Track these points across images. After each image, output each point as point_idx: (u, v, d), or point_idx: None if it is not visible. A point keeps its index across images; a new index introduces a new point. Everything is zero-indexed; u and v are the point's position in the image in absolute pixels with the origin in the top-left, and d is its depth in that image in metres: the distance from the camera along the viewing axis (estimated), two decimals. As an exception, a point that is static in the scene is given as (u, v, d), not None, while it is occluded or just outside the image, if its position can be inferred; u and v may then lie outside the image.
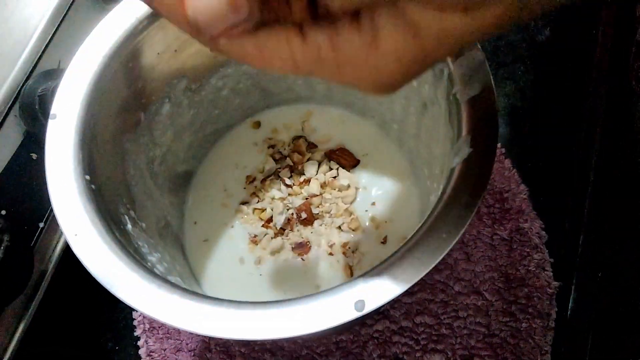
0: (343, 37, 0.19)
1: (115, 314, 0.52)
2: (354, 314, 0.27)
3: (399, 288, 0.27)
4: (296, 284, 0.46)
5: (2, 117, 0.40)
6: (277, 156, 0.51)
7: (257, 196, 0.49)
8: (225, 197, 0.50)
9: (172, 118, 0.44)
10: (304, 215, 0.47)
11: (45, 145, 0.33)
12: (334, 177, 0.49)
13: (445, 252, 0.28)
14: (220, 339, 0.48)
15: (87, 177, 0.32)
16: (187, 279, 0.43)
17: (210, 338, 0.49)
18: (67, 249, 0.48)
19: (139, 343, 0.50)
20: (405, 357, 0.47)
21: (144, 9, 0.37)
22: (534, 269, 0.49)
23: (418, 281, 0.27)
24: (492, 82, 0.33)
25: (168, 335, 0.49)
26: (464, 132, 0.32)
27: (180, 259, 0.46)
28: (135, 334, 0.50)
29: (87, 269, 0.29)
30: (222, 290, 0.46)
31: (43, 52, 0.43)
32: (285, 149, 0.52)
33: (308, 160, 0.50)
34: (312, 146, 0.51)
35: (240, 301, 0.28)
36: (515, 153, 0.55)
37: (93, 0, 0.48)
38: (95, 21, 0.36)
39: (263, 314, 0.27)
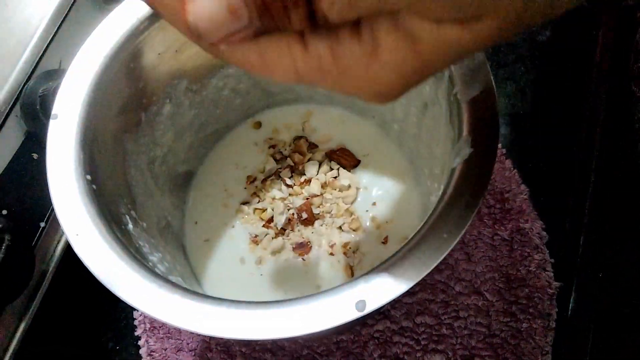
0: (344, 47, 0.19)
1: (116, 314, 0.52)
2: (355, 314, 0.27)
3: (400, 288, 0.27)
4: (297, 284, 0.46)
5: (3, 117, 0.40)
6: (278, 156, 0.51)
7: (258, 196, 0.49)
8: (226, 197, 0.50)
9: (172, 118, 0.44)
10: (304, 215, 0.47)
11: (46, 146, 0.33)
12: (335, 177, 0.49)
13: (447, 252, 0.28)
14: (221, 338, 0.48)
15: (88, 177, 0.32)
16: (188, 279, 0.43)
17: (211, 338, 0.49)
18: (67, 248, 0.48)
19: (140, 343, 0.50)
20: (405, 357, 0.47)
21: (145, 10, 0.37)
22: (534, 269, 0.49)
23: (419, 281, 0.27)
24: (493, 82, 0.33)
25: (169, 335, 0.49)
26: (465, 132, 0.32)
27: (181, 259, 0.46)
28: (136, 333, 0.50)
29: (88, 269, 0.29)
30: (222, 290, 0.46)
31: (44, 52, 0.43)
32: (286, 149, 0.52)
33: (309, 160, 0.50)
34: (312, 146, 0.51)
35: (241, 301, 0.28)
36: (515, 153, 0.55)
37: (94, 0, 0.48)
38: (96, 21, 0.36)
39: (264, 314, 0.27)
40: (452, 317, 0.48)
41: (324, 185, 0.49)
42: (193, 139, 0.48)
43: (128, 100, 0.38)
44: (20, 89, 0.41)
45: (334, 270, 0.46)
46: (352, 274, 0.45)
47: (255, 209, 0.49)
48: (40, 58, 0.42)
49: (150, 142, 0.42)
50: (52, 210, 0.45)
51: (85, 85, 0.35)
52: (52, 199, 0.31)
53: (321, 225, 0.47)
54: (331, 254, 0.46)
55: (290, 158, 0.51)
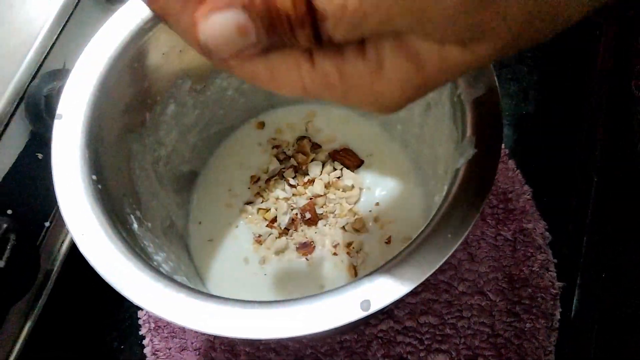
0: (349, 64, 0.20)
1: (121, 313, 0.52)
2: (360, 314, 0.27)
3: (405, 288, 0.27)
4: (300, 283, 0.46)
5: (7, 117, 0.40)
6: (282, 156, 0.51)
7: (262, 196, 0.50)
8: (229, 197, 0.50)
9: (177, 118, 0.44)
10: (308, 215, 0.47)
11: (51, 146, 0.33)
12: (338, 178, 0.49)
13: (451, 252, 0.28)
14: (225, 338, 0.48)
15: (94, 177, 0.32)
16: (192, 279, 0.43)
17: (215, 337, 0.49)
18: (72, 248, 0.48)
19: (144, 342, 0.50)
20: (409, 356, 0.47)
21: (149, 10, 0.37)
22: (537, 269, 0.49)
23: (423, 281, 0.27)
24: (497, 83, 0.33)
25: (173, 334, 0.50)
26: (469, 132, 0.32)
27: (185, 258, 0.46)
28: (140, 333, 0.50)
29: (94, 268, 0.29)
30: (226, 289, 0.46)
31: (48, 52, 0.43)
32: (289, 149, 0.52)
33: (312, 160, 0.51)
34: (316, 146, 0.51)
35: (245, 300, 0.28)
36: (519, 154, 0.55)
37: (98, 1, 0.48)
38: (100, 22, 0.36)
39: (269, 314, 0.27)
40: (456, 317, 0.48)
41: (327, 186, 0.49)
42: (197, 139, 0.48)
43: (132, 100, 0.38)
44: (24, 89, 0.41)
45: (337, 270, 0.46)
46: (356, 273, 0.45)
47: (259, 209, 0.49)
48: (45, 58, 0.43)
49: (155, 142, 0.42)
50: (57, 210, 0.45)
51: (90, 85, 0.35)
52: (57, 198, 0.31)
53: (324, 225, 0.48)
54: (334, 253, 0.46)
55: (293, 158, 0.51)
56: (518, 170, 0.54)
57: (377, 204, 0.48)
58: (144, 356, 0.50)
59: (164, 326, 0.50)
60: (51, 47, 0.43)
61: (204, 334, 0.49)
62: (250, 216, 0.49)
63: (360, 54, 0.19)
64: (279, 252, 0.47)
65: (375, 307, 0.27)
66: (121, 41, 0.36)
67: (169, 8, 0.20)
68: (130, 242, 0.31)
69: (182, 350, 0.49)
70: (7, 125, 0.40)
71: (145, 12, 0.37)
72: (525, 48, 0.19)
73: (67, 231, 0.44)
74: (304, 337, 0.37)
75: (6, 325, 0.43)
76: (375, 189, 0.49)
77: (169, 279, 0.29)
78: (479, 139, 0.31)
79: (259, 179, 0.51)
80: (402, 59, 0.19)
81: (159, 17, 0.20)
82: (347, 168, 0.50)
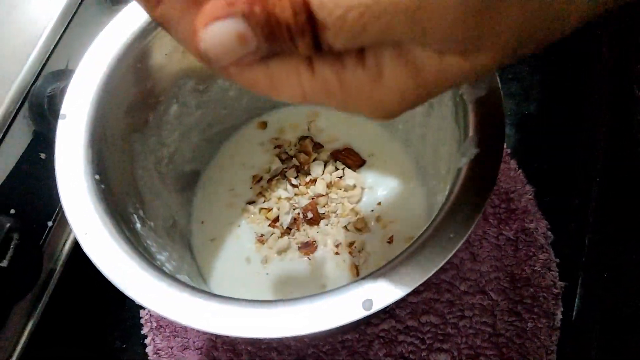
0: (349, 72, 0.20)
1: (123, 313, 0.52)
2: (362, 313, 0.27)
3: (407, 287, 0.27)
4: (302, 283, 0.46)
5: (11, 117, 0.40)
6: (284, 156, 0.51)
7: (264, 196, 0.50)
8: (232, 196, 0.50)
9: (179, 118, 0.44)
10: (310, 214, 0.48)
11: (54, 145, 0.33)
12: (340, 177, 0.49)
13: (453, 252, 0.28)
14: (228, 337, 0.48)
15: (97, 176, 0.32)
16: (194, 278, 0.43)
17: (217, 336, 0.49)
18: (75, 247, 0.48)
19: (146, 341, 0.50)
20: (411, 356, 0.47)
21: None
22: (539, 269, 0.49)
23: (424, 281, 0.27)
24: (499, 83, 0.33)
25: (175, 333, 0.50)
26: (471, 132, 0.32)
27: (188, 258, 0.46)
28: (143, 332, 0.51)
29: (97, 267, 0.29)
30: (228, 289, 0.46)
31: (51, 52, 0.43)
32: (291, 149, 0.52)
33: (314, 160, 0.51)
34: (318, 146, 0.52)
35: (248, 300, 0.28)
36: (520, 153, 0.55)
37: (101, 1, 0.48)
38: (103, 22, 0.37)
39: (271, 313, 0.28)
40: (457, 316, 0.48)
41: (329, 185, 0.49)
42: (199, 138, 0.48)
43: (136, 100, 0.38)
44: (28, 89, 0.41)
45: (339, 270, 0.46)
46: (358, 273, 0.45)
47: (261, 208, 0.49)
48: (48, 58, 0.43)
49: (158, 142, 0.42)
50: (60, 209, 0.45)
51: (94, 85, 0.35)
52: (61, 198, 0.31)
53: (327, 225, 0.48)
54: (337, 253, 0.46)
55: (295, 158, 0.51)
56: (520, 170, 0.54)
57: (379, 203, 0.48)
58: (146, 355, 0.50)
59: (166, 325, 0.50)
60: (54, 48, 0.43)
61: (206, 333, 0.49)
62: (252, 216, 0.49)
63: (360, 62, 0.20)
64: (281, 251, 0.47)
65: (377, 306, 0.27)
66: (124, 42, 0.36)
67: (169, 16, 0.20)
68: (133, 241, 0.31)
69: (184, 349, 0.49)
70: (10, 125, 0.40)
71: (148, 13, 0.37)
72: (525, 57, 0.19)
73: (70, 231, 0.44)
74: (306, 336, 0.37)
75: (9, 324, 0.43)
76: (377, 188, 0.49)
77: (173, 278, 0.30)
78: (481, 139, 0.31)
79: (261, 178, 0.51)
80: (402, 67, 0.19)
81: (159, 24, 0.20)
82: (349, 168, 0.50)
